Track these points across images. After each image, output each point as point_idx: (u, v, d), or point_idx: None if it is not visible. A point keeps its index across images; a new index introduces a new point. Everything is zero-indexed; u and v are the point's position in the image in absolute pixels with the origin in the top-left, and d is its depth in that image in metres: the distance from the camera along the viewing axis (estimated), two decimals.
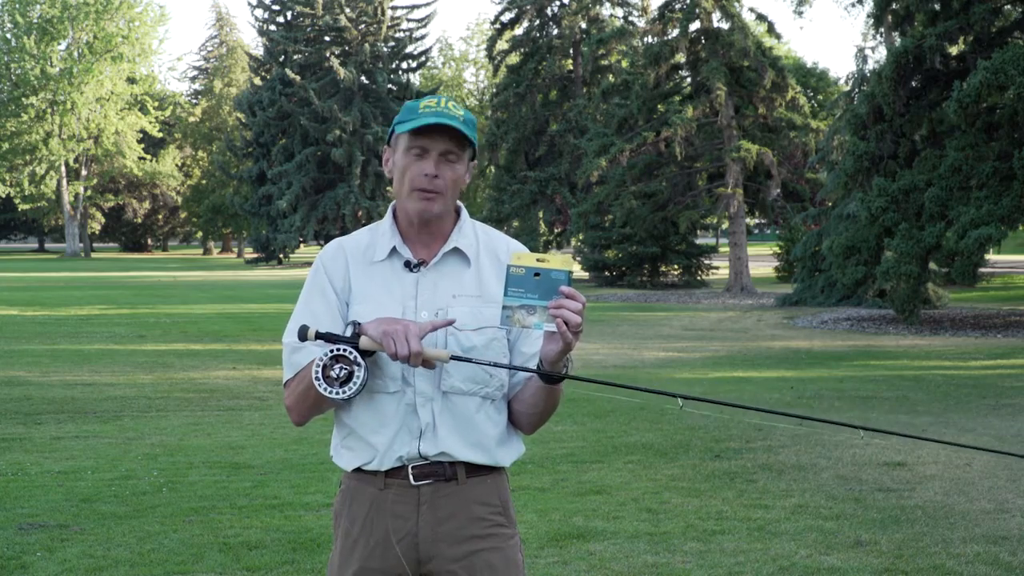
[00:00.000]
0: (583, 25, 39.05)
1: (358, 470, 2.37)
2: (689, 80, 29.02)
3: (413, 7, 52.23)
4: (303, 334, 2.24)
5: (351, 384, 2.22)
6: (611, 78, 34.53)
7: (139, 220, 68.72)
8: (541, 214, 38.32)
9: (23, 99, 56.80)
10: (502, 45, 40.69)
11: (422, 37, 53.41)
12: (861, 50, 25.83)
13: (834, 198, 23.49)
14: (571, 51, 39.15)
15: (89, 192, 61.98)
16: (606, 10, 39.70)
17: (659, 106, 28.59)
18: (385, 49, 49.93)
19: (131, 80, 60.23)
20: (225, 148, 56.79)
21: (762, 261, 39.31)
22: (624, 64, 34.53)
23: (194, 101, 69.41)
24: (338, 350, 2.22)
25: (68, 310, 21.00)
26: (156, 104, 61.90)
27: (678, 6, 28.27)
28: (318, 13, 48.95)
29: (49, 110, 57.81)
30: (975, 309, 21.01)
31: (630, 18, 39.03)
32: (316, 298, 2.39)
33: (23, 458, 7.24)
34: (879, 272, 17.64)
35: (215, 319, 19.32)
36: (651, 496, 6.20)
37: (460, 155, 2.36)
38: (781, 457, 7.29)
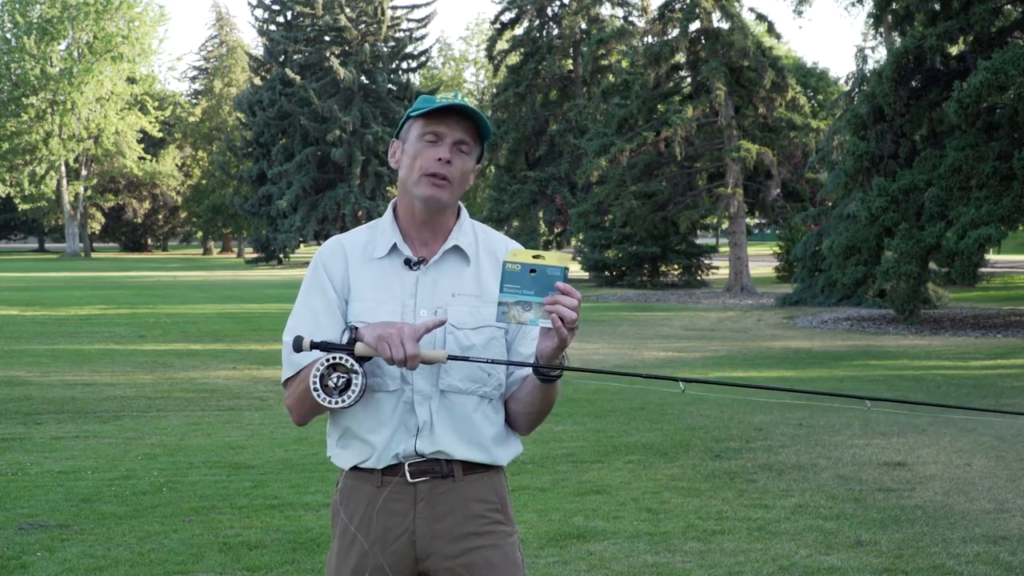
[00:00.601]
0: (583, 25, 39.05)
1: (355, 468, 2.37)
2: (689, 80, 29.01)
3: (413, 7, 52.23)
4: (298, 345, 2.23)
5: (350, 392, 2.22)
6: (611, 78, 34.52)
7: (139, 220, 68.72)
8: (541, 214, 38.32)
9: (23, 99, 56.81)
10: (502, 45, 40.69)
11: (422, 37, 53.39)
12: (861, 50, 25.84)
13: (834, 198, 23.50)
14: (571, 51, 39.15)
15: (89, 192, 61.99)
16: (606, 10, 39.71)
17: (659, 106, 28.58)
18: (385, 49, 49.92)
19: (131, 80, 60.23)
20: (225, 148, 56.79)
21: (762, 261, 39.31)
22: (624, 64, 34.53)
23: (194, 101, 69.42)
24: (334, 358, 2.22)
25: (68, 310, 21.00)
26: (156, 104, 61.89)
27: (678, 6, 28.26)
28: (318, 13, 48.95)
29: (49, 110, 57.81)
30: (975, 309, 21.02)
31: (630, 18, 39.04)
32: (316, 296, 2.39)
33: (23, 458, 7.24)
34: (879, 272, 17.65)
35: (215, 319, 19.32)
36: (651, 496, 6.20)
37: (472, 148, 2.37)
38: (781, 457, 7.29)
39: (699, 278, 31.57)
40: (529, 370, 2.35)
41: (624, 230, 29.68)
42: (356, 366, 2.22)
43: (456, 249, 2.39)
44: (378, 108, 48.35)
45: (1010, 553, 5.12)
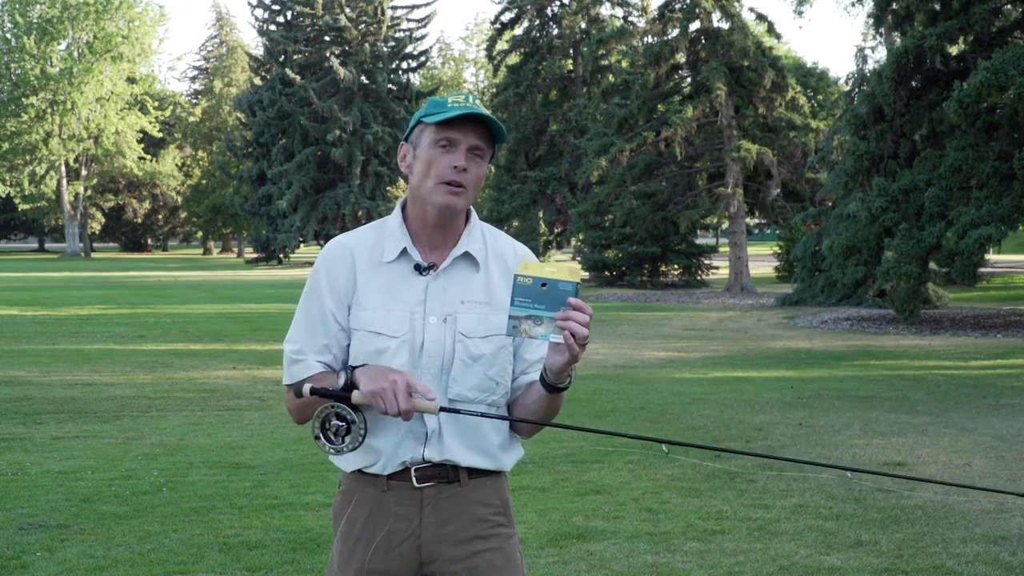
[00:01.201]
0: (583, 25, 39.06)
1: (359, 471, 2.36)
2: (689, 80, 29.01)
3: (413, 7, 52.23)
4: (299, 391, 2.25)
5: (350, 437, 2.24)
6: (611, 78, 34.53)
7: (139, 220, 68.72)
8: (541, 214, 38.33)
9: (23, 99, 56.80)
10: (502, 45, 40.70)
11: (422, 37, 53.39)
12: (861, 50, 25.83)
13: (834, 198, 23.50)
14: (571, 51, 39.16)
15: (89, 192, 61.98)
16: (606, 10, 39.73)
17: (659, 106, 28.58)
18: (385, 49, 49.92)
19: (131, 80, 60.22)
20: (225, 148, 56.79)
21: (762, 261, 39.31)
22: (624, 64, 34.53)
23: (194, 101, 69.41)
24: (334, 405, 2.23)
25: (68, 310, 21.00)
26: (156, 104, 61.88)
27: (678, 6, 28.26)
28: (318, 13, 48.95)
29: (49, 110, 57.81)
30: (975, 309, 21.01)
31: (630, 18, 39.05)
32: (313, 305, 2.37)
33: (23, 458, 7.24)
34: (879, 272, 17.65)
35: (215, 319, 19.32)
36: (651, 496, 6.20)
37: (485, 153, 2.34)
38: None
39: (699, 278, 31.57)
40: (535, 375, 2.34)
41: (624, 230, 29.68)
42: (352, 414, 2.23)
43: (466, 255, 2.37)
44: (378, 108, 48.35)
45: (1010, 553, 5.11)
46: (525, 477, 6.60)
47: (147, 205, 67.69)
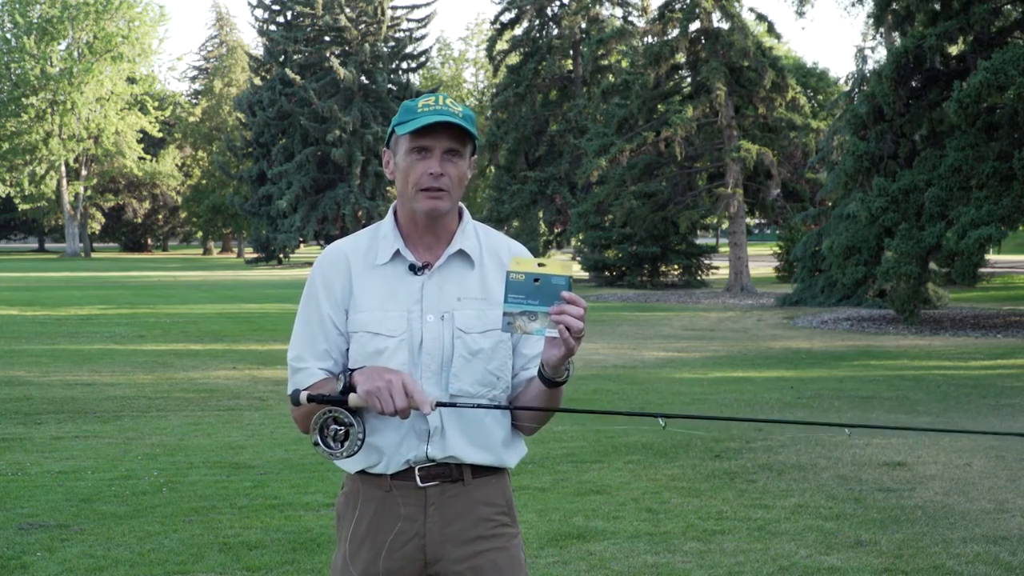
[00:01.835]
0: (583, 25, 39.04)
1: (362, 472, 2.36)
2: (689, 80, 29.01)
3: (413, 7, 52.23)
4: (296, 399, 2.26)
5: (349, 442, 2.25)
6: (611, 78, 34.52)
7: (139, 220, 68.71)
8: (541, 214, 38.32)
9: (23, 99, 56.79)
10: (502, 45, 40.69)
11: (422, 37, 53.40)
12: (861, 50, 25.80)
13: (834, 198, 23.50)
14: (571, 51, 39.15)
15: (89, 192, 61.98)
16: (606, 10, 39.70)
17: (659, 106, 28.58)
18: (385, 49, 49.93)
19: (131, 80, 60.21)
20: (225, 148, 56.78)
21: (762, 261, 39.31)
22: (624, 64, 34.53)
23: (194, 101, 69.39)
24: (331, 410, 2.23)
25: (68, 310, 21.00)
26: (156, 104, 61.86)
27: (678, 6, 28.27)
28: (318, 13, 48.95)
29: (49, 110, 57.80)
30: (975, 309, 21.01)
31: (630, 18, 39.04)
32: (311, 311, 2.39)
33: (23, 458, 7.24)
34: (879, 272, 17.65)
35: (215, 319, 19.32)
36: (651, 496, 6.20)
37: (462, 152, 2.34)
38: (781, 457, 7.28)
39: (699, 278, 31.57)
40: (534, 371, 2.35)
41: (624, 230, 29.68)
42: (351, 418, 2.23)
43: (460, 253, 2.38)
44: (378, 108, 48.35)
45: (1010, 553, 5.11)
46: (525, 477, 6.60)
47: (147, 205, 67.68)
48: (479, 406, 2.27)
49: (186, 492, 6.29)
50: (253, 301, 24.44)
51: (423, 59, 53.91)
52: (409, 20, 51.81)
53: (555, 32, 39.37)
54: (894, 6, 19.08)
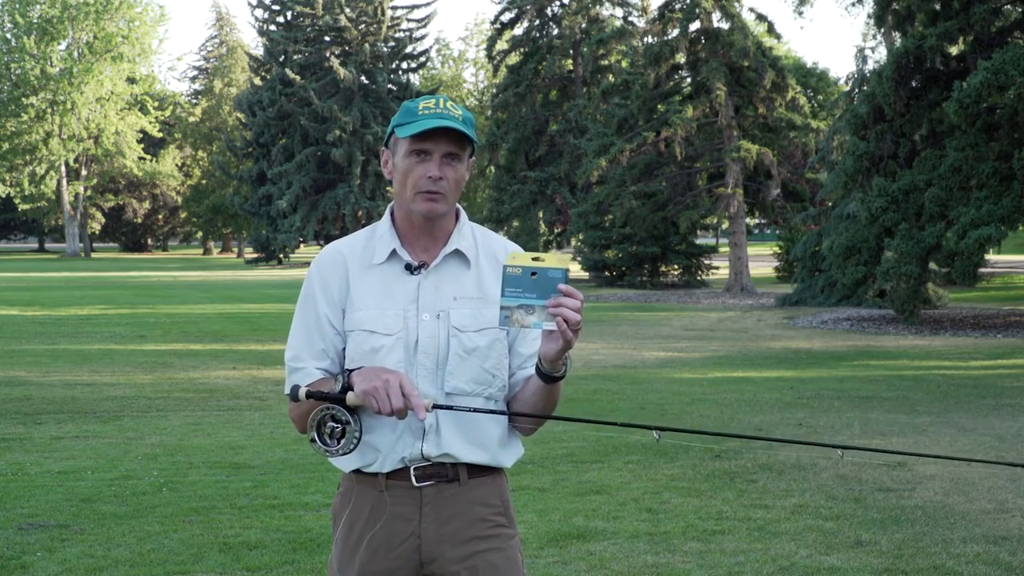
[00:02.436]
0: (583, 25, 39.04)
1: (358, 471, 2.37)
2: (689, 80, 29.01)
3: (413, 7, 52.25)
4: (295, 395, 2.26)
5: (345, 440, 2.25)
6: (611, 78, 34.52)
7: (139, 220, 68.72)
8: (541, 214, 38.33)
9: (23, 99, 56.80)
10: (502, 45, 40.70)
11: (422, 37, 53.43)
12: (861, 50, 25.84)
13: (834, 198, 23.50)
14: (571, 51, 39.15)
15: (89, 192, 61.98)
16: (606, 10, 39.71)
17: (659, 106, 28.57)
18: (385, 49, 49.94)
19: (131, 80, 60.21)
20: (225, 148, 56.80)
21: (762, 261, 39.31)
22: (624, 64, 34.53)
23: (194, 101, 69.40)
24: (329, 408, 2.24)
25: (68, 310, 21.00)
26: (156, 104, 61.87)
27: (678, 6, 28.26)
28: (318, 13, 48.96)
29: (49, 110, 57.81)
30: (975, 309, 21.01)
31: (630, 18, 39.04)
32: (309, 311, 2.40)
33: (23, 458, 7.24)
34: (879, 272, 17.64)
35: (215, 319, 19.32)
36: (651, 496, 6.20)
37: (461, 155, 2.35)
38: (781, 457, 7.28)
39: (699, 278, 31.57)
40: (531, 370, 2.35)
41: (624, 230, 29.68)
42: (348, 416, 2.24)
43: (456, 253, 2.39)
44: (378, 108, 48.35)
45: (1010, 553, 5.11)
46: (525, 477, 6.60)
47: (147, 205, 67.70)
48: (475, 410, 2.28)
49: (186, 492, 6.29)
50: (253, 301, 24.44)
51: (423, 59, 53.93)
52: (409, 20, 51.84)
53: (555, 32, 39.38)
54: (894, 6, 19.07)
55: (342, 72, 47.10)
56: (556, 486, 6.46)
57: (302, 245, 52.04)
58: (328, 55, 48.23)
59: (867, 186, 18.05)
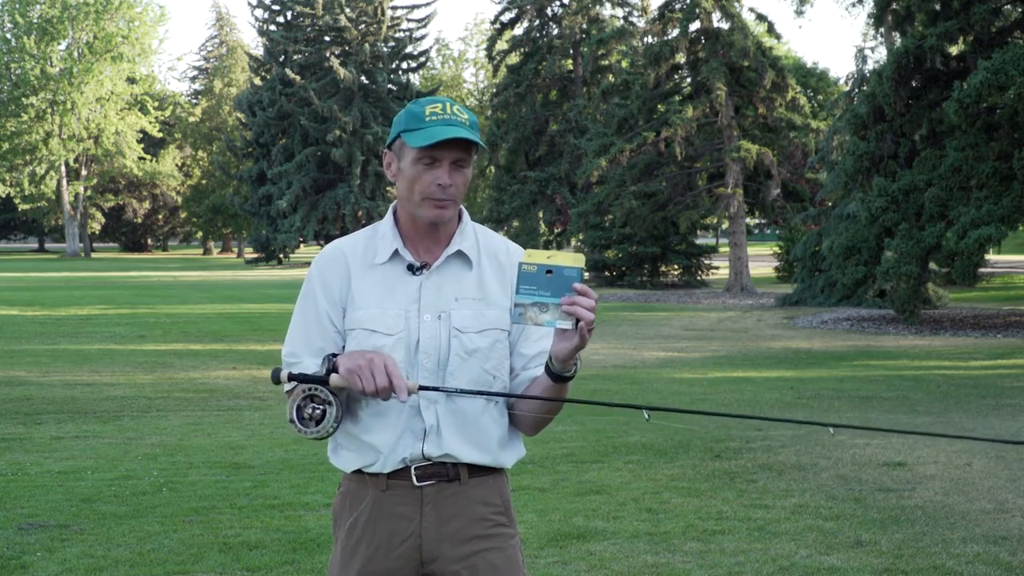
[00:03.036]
0: (583, 25, 39.05)
1: (359, 471, 2.37)
2: (689, 80, 29.01)
3: (413, 7, 52.25)
4: (276, 377, 2.27)
5: (325, 422, 2.24)
6: (611, 78, 34.52)
7: (139, 220, 68.72)
8: (541, 214, 38.33)
9: (23, 99, 56.80)
10: (502, 45, 40.71)
11: (422, 37, 53.42)
12: (861, 50, 25.83)
13: (834, 198, 23.50)
14: (571, 51, 39.16)
15: (89, 192, 61.98)
16: (606, 10, 39.71)
17: (659, 106, 28.58)
18: (385, 49, 49.94)
19: (131, 80, 60.22)
20: (225, 148, 56.80)
21: (762, 261, 39.31)
22: (624, 64, 34.52)
23: (194, 101, 69.40)
24: (311, 389, 2.23)
25: (68, 310, 21.00)
26: (156, 104, 61.88)
27: (678, 6, 28.27)
28: (318, 13, 48.96)
29: (49, 110, 57.81)
30: (975, 309, 21.02)
31: (630, 18, 39.05)
32: (308, 309, 2.40)
33: (23, 458, 7.24)
34: (879, 272, 17.64)
35: (215, 319, 19.32)
36: (651, 496, 6.20)
37: (469, 160, 2.35)
38: (781, 457, 7.28)
39: (699, 278, 31.58)
40: (535, 371, 2.34)
41: (624, 230, 29.68)
42: (331, 397, 2.23)
43: (459, 254, 2.38)
44: (378, 108, 48.35)
45: (1010, 553, 5.11)
46: (525, 477, 6.60)
47: (147, 205, 67.70)
48: (460, 391, 2.27)
49: (186, 492, 6.29)
50: (253, 301, 24.44)
51: (423, 59, 53.93)
52: (409, 20, 51.84)
53: (555, 32, 39.39)
54: (894, 6, 19.08)
55: (342, 72, 47.11)
56: (556, 486, 6.46)
57: (302, 245, 52.05)
58: (328, 55, 48.24)
59: (867, 186, 18.05)
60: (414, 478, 2.32)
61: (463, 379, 2.31)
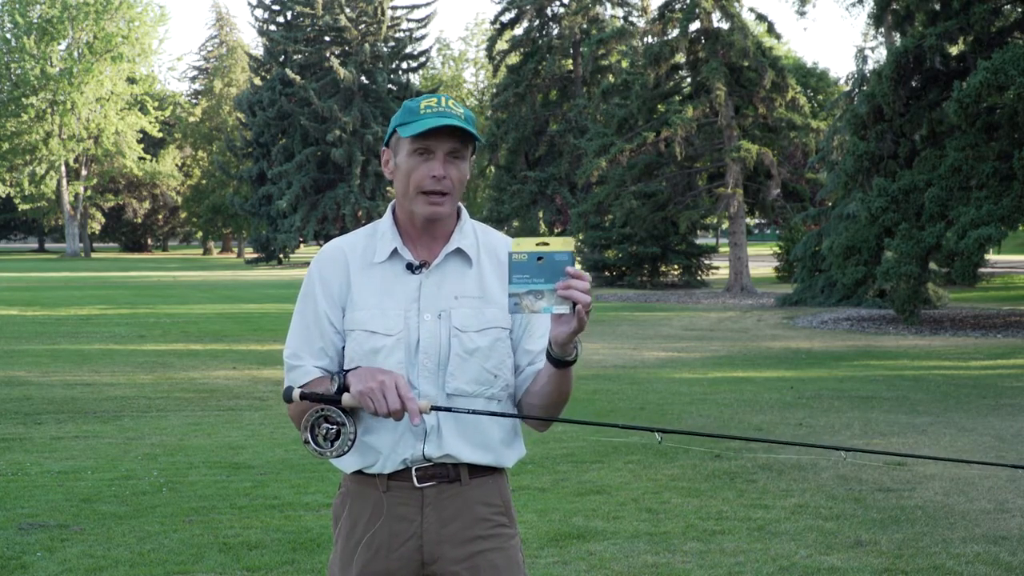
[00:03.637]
0: (583, 25, 39.05)
1: (359, 472, 2.36)
2: (689, 80, 29.01)
3: (413, 7, 52.25)
4: (288, 396, 2.25)
5: (340, 442, 2.23)
6: (611, 78, 34.53)
7: (139, 220, 68.71)
8: (541, 214, 38.33)
9: (23, 99, 56.80)
10: (502, 45, 40.71)
11: (422, 37, 53.42)
12: (861, 50, 25.79)
13: (834, 198, 23.49)
14: (571, 51, 39.16)
15: (89, 192, 61.98)
16: (606, 10, 39.71)
17: (659, 106, 28.57)
18: (385, 49, 49.94)
19: (131, 80, 60.22)
20: (225, 148, 56.79)
21: (762, 261, 39.31)
22: (624, 64, 34.53)
23: (194, 101, 69.41)
24: (323, 409, 2.22)
25: (68, 310, 21.00)
26: (156, 104, 61.88)
27: (678, 6, 28.26)
28: (318, 13, 48.96)
29: (49, 110, 57.81)
30: (975, 309, 21.01)
31: (630, 18, 39.05)
32: (308, 308, 2.39)
33: (23, 458, 7.24)
34: (879, 272, 17.64)
35: (215, 319, 19.32)
36: (651, 496, 6.20)
37: (464, 153, 2.34)
38: (781, 457, 7.28)
39: (699, 278, 31.57)
40: (542, 363, 2.33)
41: (624, 230, 29.68)
42: (344, 417, 2.22)
43: (458, 252, 2.37)
44: (378, 108, 48.35)
45: (1010, 553, 5.11)
46: (525, 477, 6.60)
47: (147, 205, 67.69)
48: (473, 411, 2.26)
49: (186, 492, 6.29)
50: (253, 301, 24.44)
51: (423, 59, 53.94)
52: (409, 20, 51.84)
53: (555, 32, 39.39)
54: (894, 6, 19.08)
55: (342, 72, 47.11)
56: (556, 486, 6.46)
57: (302, 245, 52.04)
58: (328, 55, 48.24)
59: (867, 186, 18.05)
60: (415, 479, 2.32)
61: (463, 379, 2.31)
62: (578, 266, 2.14)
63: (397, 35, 51.19)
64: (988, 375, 11.95)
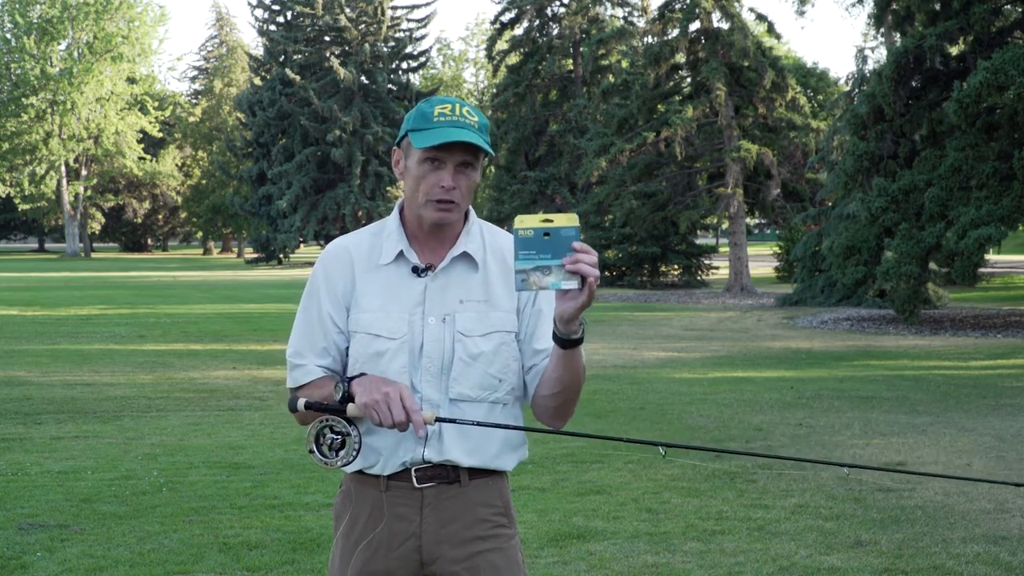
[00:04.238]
0: (583, 25, 39.05)
1: (360, 472, 2.36)
2: (689, 80, 29.01)
3: (413, 7, 52.24)
4: (293, 406, 2.25)
5: (345, 451, 2.23)
6: (611, 78, 34.53)
7: (139, 220, 68.71)
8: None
9: (23, 99, 56.81)
10: (502, 45, 40.71)
11: (422, 37, 53.42)
12: (861, 50, 25.84)
13: (834, 198, 23.50)
14: (571, 51, 39.16)
15: (89, 192, 61.99)
16: (606, 10, 39.71)
17: (659, 106, 28.57)
18: (385, 49, 49.93)
19: (131, 80, 60.23)
20: (225, 148, 56.80)
21: (762, 261, 39.31)
22: (624, 64, 34.53)
23: (194, 101, 69.42)
24: (327, 419, 2.22)
25: (68, 310, 21.00)
26: (156, 104, 61.88)
27: (678, 6, 28.26)
28: (318, 13, 48.95)
29: (49, 110, 57.81)
30: (975, 309, 21.01)
31: (630, 18, 39.05)
32: (312, 307, 2.38)
33: (23, 458, 7.24)
34: (879, 272, 17.64)
35: (215, 319, 19.32)
36: (651, 496, 6.20)
37: (476, 163, 2.32)
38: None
39: (699, 278, 31.57)
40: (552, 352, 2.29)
41: (624, 230, 29.68)
42: (348, 427, 2.22)
43: (464, 255, 2.36)
44: (378, 108, 48.35)
45: (1010, 553, 5.11)
46: (525, 477, 6.60)
47: (147, 205, 67.69)
48: (477, 423, 2.26)
49: (186, 492, 6.29)
50: (253, 301, 24.44)
51: (423, 59, 53.93)
52: (409, 20, 51.83)
53: (555, 32, 39.38)
54: (894, 6, 19.08)
55: (342, 72, 47.10)
56: (556, 486, 6.46)
57: (302, 245, 52.04)
58: (328, 55, 48.23)
59: (867, 186, 18.05)
60: (414, 480, 2.32)
61: (466, 384, 2.30)
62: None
63: (397, 35, 51.19)
64: (988, 375, 11.95)
